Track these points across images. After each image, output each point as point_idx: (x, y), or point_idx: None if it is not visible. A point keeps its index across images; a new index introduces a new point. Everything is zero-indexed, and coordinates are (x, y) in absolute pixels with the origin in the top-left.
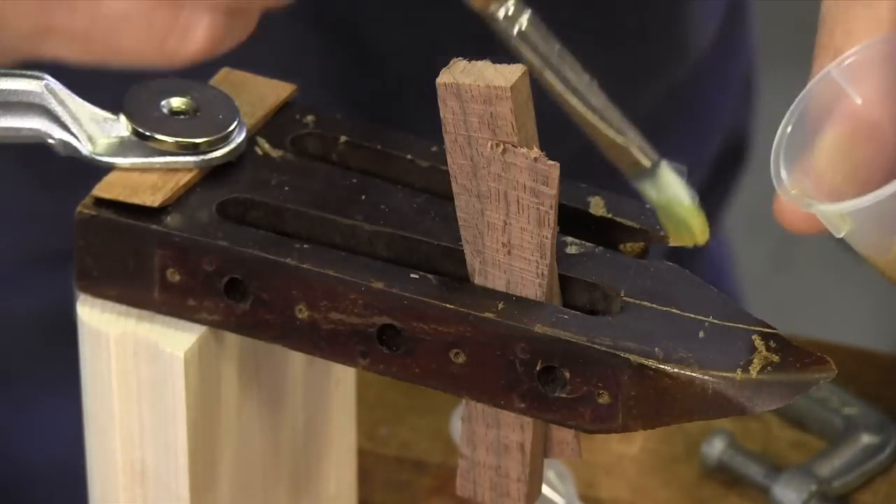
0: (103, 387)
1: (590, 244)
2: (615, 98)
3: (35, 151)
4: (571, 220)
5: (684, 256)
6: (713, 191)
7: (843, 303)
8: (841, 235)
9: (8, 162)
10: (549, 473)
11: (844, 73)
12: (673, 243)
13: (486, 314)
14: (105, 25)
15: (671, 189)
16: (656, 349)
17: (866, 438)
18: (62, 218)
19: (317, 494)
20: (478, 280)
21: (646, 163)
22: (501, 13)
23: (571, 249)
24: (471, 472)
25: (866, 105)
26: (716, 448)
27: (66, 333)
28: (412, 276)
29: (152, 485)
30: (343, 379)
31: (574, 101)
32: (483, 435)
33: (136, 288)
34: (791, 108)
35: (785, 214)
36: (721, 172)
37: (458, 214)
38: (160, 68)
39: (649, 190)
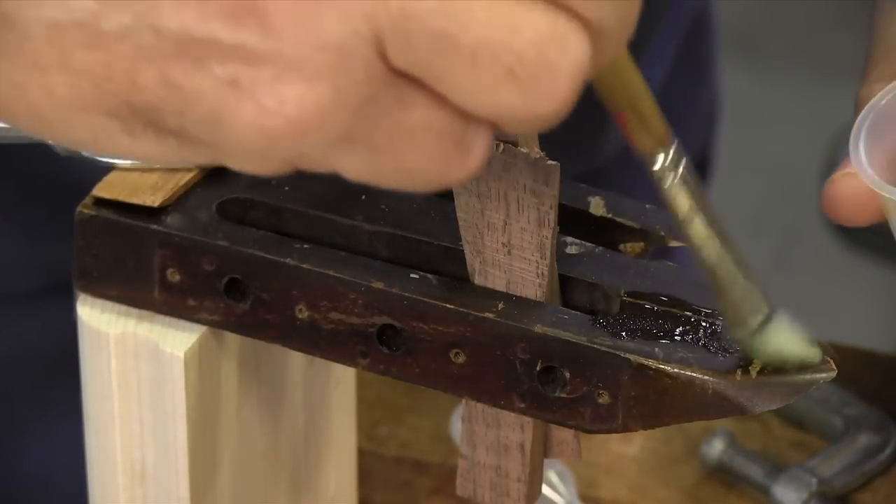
0: (103, 387)
1: (590, 244)
2: (597, 127)
3: (36, 187)
4: (571, 220)
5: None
6: None
7: (843, 303)
8: None
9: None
10: (549, 473)
11: None
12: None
13: (486, 314)
14: (403, 140)
15: (784, 343)
16: (656, 349)
17: (866, 438)
18: (55, 255)
19: (317, 494)
20: (478, 280)
21: (764, 311)
22: (660, 160)
23: (571, 249)
24: (471, 472)
25: None
26: (716, 448)
27: (64, 360)
28: (412, 276)
29: (152, 485)
30: (343, 379)
31: (713, 249)
32: (483, 435)
33: (136, 288)
34: (877, 95)
35: (837, 200)
36: None
37: (458, 214)
38: (430, 188)
39: (758, 346)
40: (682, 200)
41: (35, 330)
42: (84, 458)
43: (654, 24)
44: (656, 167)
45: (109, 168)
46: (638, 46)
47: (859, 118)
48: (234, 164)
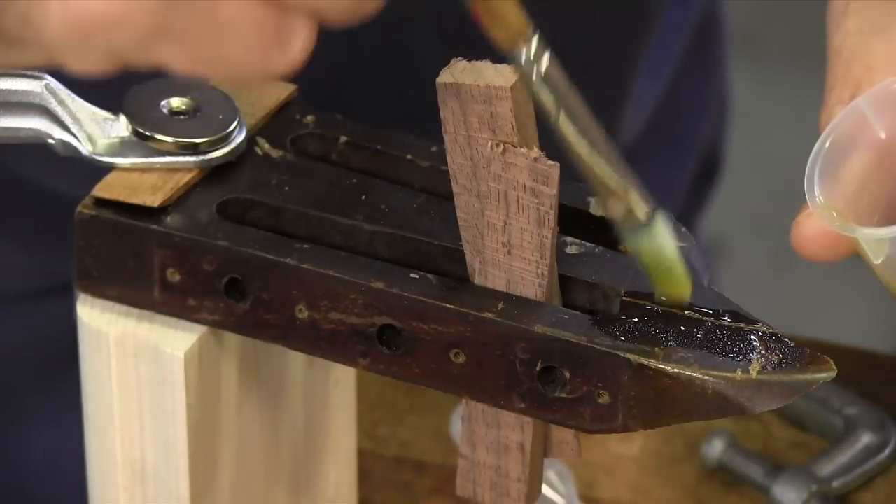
0: (103, 387)
1: (590, 244)
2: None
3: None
4: (571, 220)
5: None
6: (690, 206)
7: (843, 303)
8: (878, 262)
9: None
10: (549, 473)
11: (870, 106)
12: (658, 295)
13: (486, 314)
14: (218, 30)
15: (662, 241)
16: (656, 349)
17: (866, 438)
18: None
19: (317, 494)
20: (478, 280)
21: (642, 214)
22: (524, 54)
23: (571, 249)
24: (471, 472)
25: (890, 138)
26: (716, 448)
27: (69, 351)
28: (412, 276)
29: (152, 485)
30: (343, 379)
31: (582, 147)
32: (483, 435)
33: (136, 288)
34: (822, 136)
35: (805, 242)
36: (697, 188)
37: (458, 214)
38: (254, 79)
39: (641, 241)
40: (545, 97)
41: (40, 323)
42: (79, 462)
43: (662, 22)
44: (517, 62)
45: (108, 169)
46: (638, 44)
47: (811, 155)
48: (62, 62)
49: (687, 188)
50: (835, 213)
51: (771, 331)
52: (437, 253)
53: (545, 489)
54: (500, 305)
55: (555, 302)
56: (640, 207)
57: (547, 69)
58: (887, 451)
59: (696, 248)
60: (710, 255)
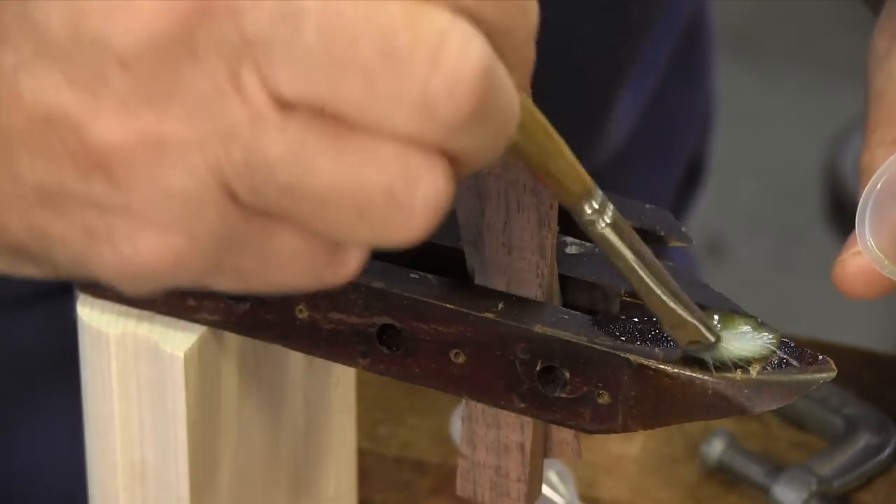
0: (103, 387)
1: (590, 244)
2: (585, 134)
3: None
4: (571, 220)
5: None
6: (675, 210)
7: (843, 303)
8: None
9: None
10: (550, 473)
11: None
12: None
13: (486, 314)
14: (270, 265)
15: (734, 353)
16: (656, 349)
17: (866, 438)
18: None
19: (317, 494)
20: (478, 280)
21: (709, 340)
22: (587, 209)
23: (571, 249)
24: (471, 472)
25: None
26: (716, 448)
27: (54, 359)
28: (412, 276)
29: (152, 485)
30: (343, 379)
31: (648, 287)
32: (483, 435)
33: None
34: (874, 177)
35: (849, 279)
36: (682, 193)
37: (458, 214)
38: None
39: (713, 356)
40: (613, 242)
41: (23, 331)
42: (75, 457)
43: (648, 31)
44: (584, 217)
45: None
46: (623, 53)
47: (863, 197)
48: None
49: (672, 193)
50: (885, 258)
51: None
52: (437, 253)
53: (545, 489)
54: (500, 305)
55: (555, 302)
56: (708, 332)
57: (612, 218)
58: (887, 451)
59: (684, 252)
60: (698, 256)
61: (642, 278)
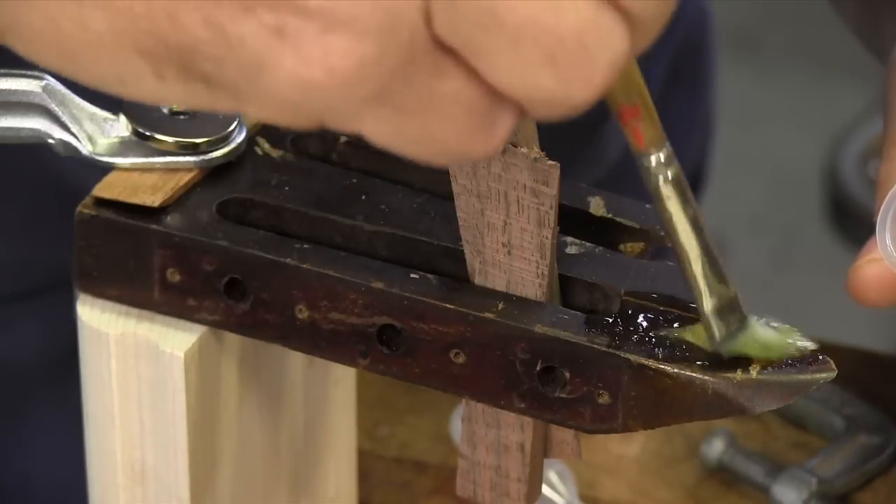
0: (103, 387)
1: (590, 244)
2: (583, 146)
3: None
4: (571, 220)
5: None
6: None
7: (843, 303)
8: None
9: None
10: (550, 473)
11: None
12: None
13: (486, 314)
14: (433, 106)
15: (761, 341)
16: (656, 349)
17: (866, 438)
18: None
19: (317, 494)
20: (478, 280)
21: (741, 317)
22: (654, 160)
23: (571, 249)
24: (471, 472)
25: None
26: (716, 448)
27: (42, 370)
28: (412, 276)
29: (152, 485)
30: (343, 379)
31: (694, 255)
32: (483, 435)
33: (136, 288)
34: (893, 189)
35: (863, 286)
36: None
37: (458, 214)
38: (450, 160)
39: (742, 344)
40: (672, 199)
41: (12, 341)
42: (65, 470)
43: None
44: (653, 164)
45: (106, 169)
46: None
47: (884, 204)
48: (260, 114)
49: None
50: None
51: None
52: (437, 253)
53: (545, 489)
54: (500, 305)
55: (555, 302)
56: (736, 306)
57: (675, 172)
58: (887, 451)
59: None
60: None
61: (687, 245)
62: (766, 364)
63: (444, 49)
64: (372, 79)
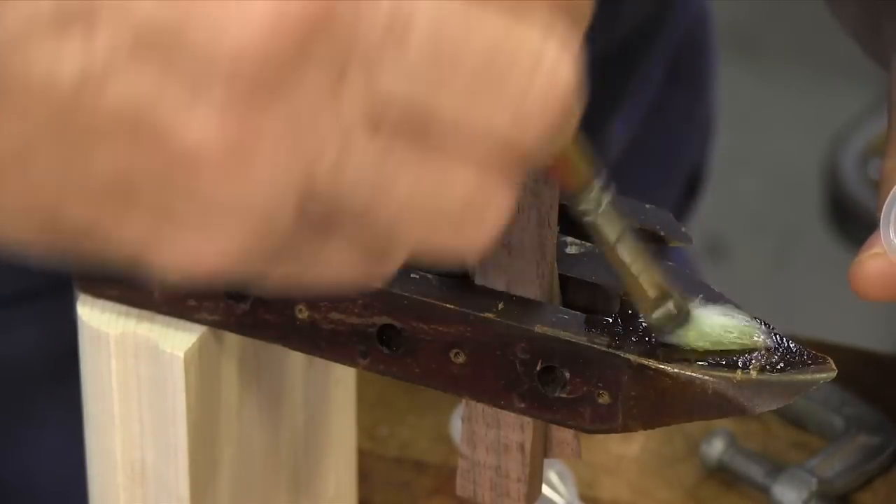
0: (103, 387)
1: (590, 244)
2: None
3: None
4: (571, 220)
5: None
6: (675, 218)
7: (843, 303)
8: None
9: None
10: (550, 473)
11: None
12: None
13: (486, 314)
14: (321, 272)
15: (705, 329)
16: (656, 349)
17: (866, 438)
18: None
19: (317, 494)
20: (478, 280)
21: (679, 310)
22: (587, 197)
23: (571, 249)
24: (471, 472)
25: None
26: (716, 448)
27: (43, 370)
28: (412, 276)
29: (152, 485)
30: (343, 379)
31: (628, 269)
32: (483, 435)
33: (136, 288)
34: None
35: (865, 280)
36: (683, 203)
37: None
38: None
39: (686, 336)
40: (603, 230)
41: (14, 340)
42: (67, 469)
43: (648, 47)
44: (581, 203)
45: None
46: (630, 69)
47: (888, 199)
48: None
49: (672, 204)
50: None
51: (771, 330)
52: None
53: (545, 489)
54: (500, 305)
55: (555, 302)
56: (678, 306)
57: (606, 207)
58: (887, 451)
59: (684, 252)
60: (698, 256)
61: (621, 263)
62: (766, 364)
63: (324, 227)
64: (249, 270)
